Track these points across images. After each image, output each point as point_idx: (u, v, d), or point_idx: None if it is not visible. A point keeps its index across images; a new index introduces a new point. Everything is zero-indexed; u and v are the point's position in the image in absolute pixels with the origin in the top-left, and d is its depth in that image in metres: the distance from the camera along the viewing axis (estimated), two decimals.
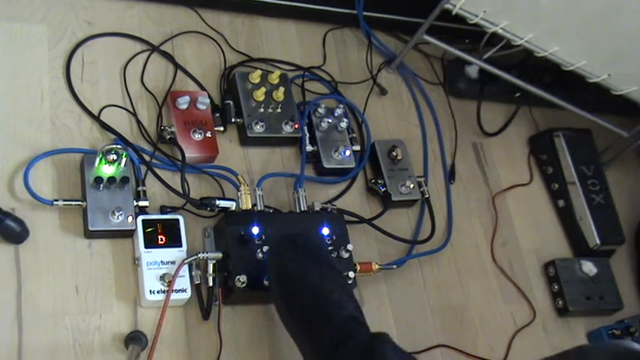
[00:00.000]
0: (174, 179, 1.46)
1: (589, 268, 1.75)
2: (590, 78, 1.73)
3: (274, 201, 1.54)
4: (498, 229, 1.77)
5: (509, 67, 1.85)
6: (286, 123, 1.58)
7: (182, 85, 1.59)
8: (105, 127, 1.45)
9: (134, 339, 1.27)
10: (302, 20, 1.81)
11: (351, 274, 1.44)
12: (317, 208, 1.52)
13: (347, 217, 1.55)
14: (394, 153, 1.66)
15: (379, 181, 1.64)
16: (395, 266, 1.56)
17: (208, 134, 1.50)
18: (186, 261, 1.33)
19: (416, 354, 1.51)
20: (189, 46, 1.65)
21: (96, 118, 1.46)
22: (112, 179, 1.34)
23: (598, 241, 1.79)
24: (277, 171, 1.58)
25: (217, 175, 1.51)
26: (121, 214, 1.32)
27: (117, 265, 1.34)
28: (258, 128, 1.55)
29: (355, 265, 1.47)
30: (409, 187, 1.63)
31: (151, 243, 1.33)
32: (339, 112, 1.66)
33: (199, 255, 1.35)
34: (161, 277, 1.31)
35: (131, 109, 1.51)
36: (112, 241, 1.36)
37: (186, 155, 1.45)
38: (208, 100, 1.53)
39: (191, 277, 1.35)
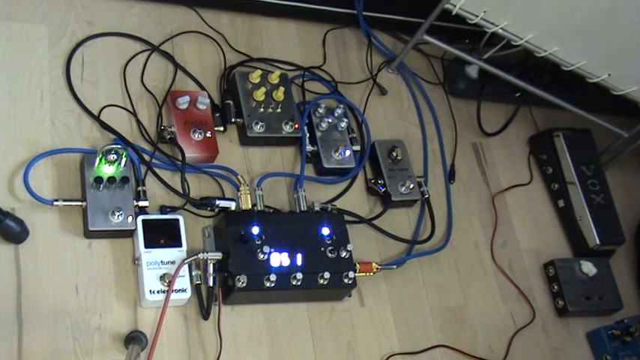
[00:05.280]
0: (174, 179, 1.46)
1: (589, 268, 1.75)
2: (590, 78, 1.73)
3: (274, 201, 1.54)
4: (498, 229, 1.77)
5: (509, 67, 1.85)
6: (286, 123, 1.58)
7: (182, 85, 1.59)
8: (105, 127, 1.45)
9: (134, 339, 1.27)
10: (302, 20, 1.81)
11: (351, 274, 1.44)
12: (317, 208, 1.52)
13: (347, 217, 1.55)
14: (394, 153, 1.66)
15: (379, 181, 1.64)
16: (395, 266, 1.56)
17: (208, 134, 1.50)
18: (186, 261, 1.33)
19: (416, 354, 1.52)
20: (189, 46, 1.65)
21: (96, 118, 1.46)
22: (112, 179, 1.34)
23: (598, 241, 1.79)
24: (277, 171, 1.58)
25: (217, 175, 1.51)
26: (121, 214, 1.32)
27: (117, 265, 1.34)
28: (258, 128, 1.55)
29: (355, 265, 1.47)
30: (409, 187, 1.64)
31: (151, 243, 1.33)
32: (339, 112, 1.66)
33: (199, 255, 1.35)
34: (161, 277, 1.31)
35: (131, 109, 1.51)
36: (112, 241, 1.36)
37: (186, 155, 1.45)
38: (208, 100, 1.53)
39: (191, 277, 1.35)
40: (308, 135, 1.61)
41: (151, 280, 1.30)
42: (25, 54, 1.47)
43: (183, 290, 1.32)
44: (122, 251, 1.36)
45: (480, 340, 1.60)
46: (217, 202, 1.42)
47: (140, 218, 1.35)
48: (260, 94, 1.58)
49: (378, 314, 1.52)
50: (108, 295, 1.31)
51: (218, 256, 1.37)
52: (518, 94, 1.90)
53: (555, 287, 1.73)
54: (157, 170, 1.44)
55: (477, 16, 1.65)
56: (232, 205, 1.43)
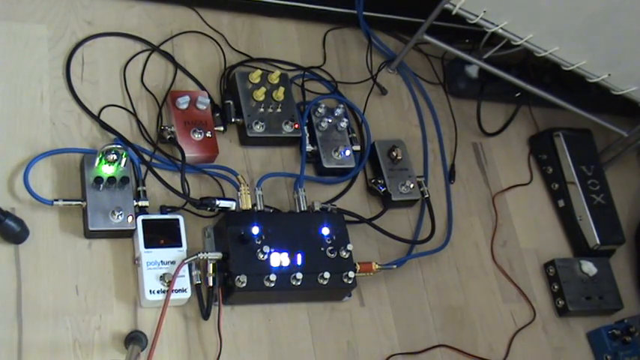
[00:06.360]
0: (174, 179, 1.46)
1: (589, 268, 1.75)
2: (590, 78, 1.73)
3: (274, 201, 1.54)
4: (498, 229, 1.77)
5: (509, 67, 1.85)
6: (286, 123, 1.58)
7: (182, 85, 1.59)
8: (105, 127, 1.45)
9: (134, 339, 1.27)
10: (302, 20, 1.81)
11: (351, 274, 1.44)
12: (317, 208, 1.52)
13: (347, 217, 1.55)
14: (394, 153, 1.66)
15: (379, 181, 1.64)
16: (395, 266, 1.56)
17: (208, 134, 1.50)
18: (186, 261, 1.33)
19: (416, 354, 1.52)
20: (189, 46, 1.65)
21: (96, 118, 1.46)
22: (112, 179, 1.34)
23: (598, 241, 1.79)
24: (277, 171, 1.58)
25: (217, 175, 1.51)
26: (121, 214, 1.32)
27: (117, 265, 1.34)
28: (258, 128, 1.55)
29: (355, 265, 1.47)
30: (409, 187, 1.63)
31: (151, 243, 1.33)
32: (339, 112, 1.66)
33: (199, 255, 1.35)
34: (161, 277, 1.31)
35: (131, 109, 1.51)
36: (112, 241, 1.36)
37: (186, 155, 1.45)
38: (208, 100, 1.53)
39: (191, 277, 1.35)
40: (308, 135, 1.61)
41: (150, 280, 1.30)
42: (25, 54, 1.47)
43: (183, 290, 1.32)
44: (122, 251, 1.36)
45: (480, 340, 1.60)
46: (217, 202, 1.41)
47: (140, 218, 1.35)
48: (260, 94, 1.58)
49: (378, 314, 1.52)
50: (108, 295, 1.31)
51: (218, 256, 1.36)
52: (518, 94, 1.90)
53: (555, 287, 1.73)
54: (157, 170, 1.44)
55: (477, 16, 1.65)
56: (232, 205, 1.43)
